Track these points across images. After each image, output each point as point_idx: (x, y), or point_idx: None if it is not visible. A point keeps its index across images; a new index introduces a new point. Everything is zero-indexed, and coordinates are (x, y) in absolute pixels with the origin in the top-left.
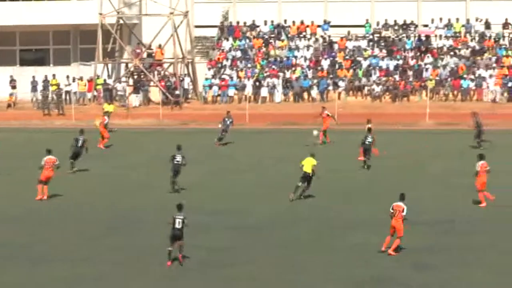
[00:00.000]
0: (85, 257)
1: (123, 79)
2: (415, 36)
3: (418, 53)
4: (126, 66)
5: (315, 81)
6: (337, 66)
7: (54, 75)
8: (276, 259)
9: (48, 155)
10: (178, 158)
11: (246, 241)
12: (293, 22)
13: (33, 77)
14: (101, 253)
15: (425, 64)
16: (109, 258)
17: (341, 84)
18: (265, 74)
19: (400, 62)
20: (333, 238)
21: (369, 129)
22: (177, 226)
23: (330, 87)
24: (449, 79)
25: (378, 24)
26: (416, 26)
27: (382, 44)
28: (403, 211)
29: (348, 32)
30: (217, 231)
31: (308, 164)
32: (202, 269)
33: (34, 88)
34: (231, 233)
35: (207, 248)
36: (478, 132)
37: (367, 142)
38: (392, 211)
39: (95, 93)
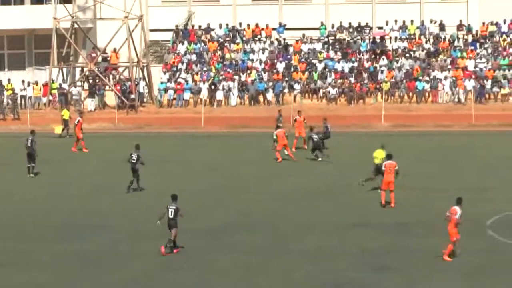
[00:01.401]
0: (42, 263)
1: (78, 83)
2: (369, 39)
3: (373, 55)
4: (81, 70)
5: (270, 84)
6: (292, 69)
7: (9, 80)
8: (233, 263)
9: None
10: (134, 156)
11: (200, 244)
12: (248, 25)
13: None
14: (57, 258)
15: (380, 66)
16: (66, 263)
17: (297, 87)
18: (220, 78)
19: (355, 64)
20: (289, 242)
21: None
22: (170, 215)
23: (286, 90)
24: (404, 81)
25: (333, 26)
26: (371, 28)
27: (337, 46)
28: (456, 214)
29: (303, 35)
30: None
31: (380, 156)
32: (162, 273)
33: None
34: (184, 236)
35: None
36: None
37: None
38: (448, 214)
39: (50, 98)
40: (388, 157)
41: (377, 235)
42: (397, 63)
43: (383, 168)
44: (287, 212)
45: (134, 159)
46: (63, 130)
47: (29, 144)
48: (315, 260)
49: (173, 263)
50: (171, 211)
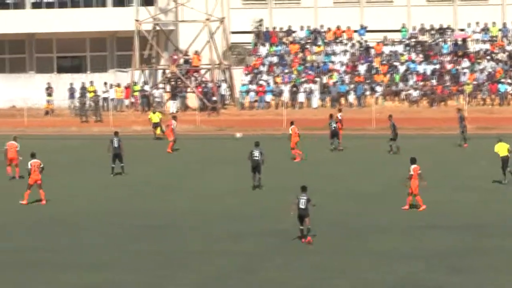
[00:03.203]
0: (109, 264)
1: (160, 85)
2: (451, 41)
3: (455, 58)
4: (163, 72)
5: (352, 86)
6: (374, 71)
7: (91, 82)
8: (310, 264)
9: (33, 159)
10: (256, 153)
11: (274, 246)
12: (328, 28)
13: (71, 84)
14: (125, 259)
15: (462, 69)
16: (134, 264)
17: (378, 89)
18: (302, 80)
19: (437, 66)
20: (364, 243)
21: (331, 115)
22: (302, 206)
23: (367, 92)
24: (486, 84)
25: (414, 28)
26: (453, 30)
27: (419, 48)
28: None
29: (385, 37)
30: (250, 236)
31: (503, 149)
32: (238, 274)
33: (71, 95)
34: (258, 237)
35: (240, 252)
36: (393, 135)
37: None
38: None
39: (132, 100)
40: (413, 161)
41: (450, 237)
42: (479, 65)
43: (411, 172)
44: (359, 213)
45: (256, 156)
46: (157, 132)
47: (116, 145)
48: (390, 261)
49: (248, 264)
50: (303, 202)
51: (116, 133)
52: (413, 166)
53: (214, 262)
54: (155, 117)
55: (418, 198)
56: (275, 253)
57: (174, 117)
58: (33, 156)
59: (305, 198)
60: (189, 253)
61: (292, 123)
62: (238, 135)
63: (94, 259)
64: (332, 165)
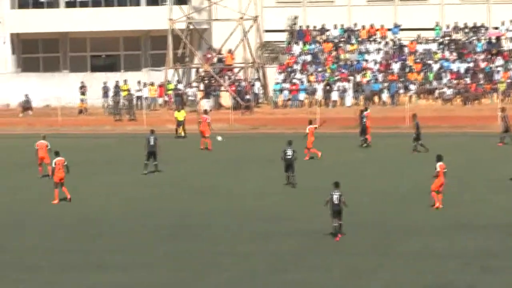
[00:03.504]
0: (143, 264)
1: (194, 84)
2: (485, 39)
3: (489, 56)
4: (197, 71)
5: (385, 84)
6: (407, 69)
7: (125, 81)
8: (341, 264)
9: (57, 157)
10: (289, 152)
11: (312, 246)
12: (363, 26)
13: (105, 82)
14: (157, 259)
15: (496, 67)
16: (165, 265)
17: (412, 87)
18: (335, 78)
19: (471, 64)
20: (396, 243)
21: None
22: (336, 202)
23: (401, 91)
24: None
25: (448, 27)
26: (487, 28)
27: (453, 47)
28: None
29: (418, 35)
30: (282, 236)
31: None
32: (269, 274)
33: (105, 94)
34: (292, 237)
35: (271, 252)
36: (416, 135)
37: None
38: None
39: (166, 98)
40: (439, 158)
41: (482, 236)
42: None
43: (437, 169)
44: (391, 212)
45: (289, 155)
46: (179, 131)
47: (152, 143)
48: (424, 261)
49: (279, 264)
50: (336, 197)
51: (152, 131)
52: (439, 164)
53: (245, 262)
54: (180, 116)
55: (440, 196)
56: (307, 253)
57: (206, 111)
58: (57, 154)
59: (338, 194)
60: (220, 253)
61: (310, 122)
62: (219, 138)
63: (125, 259)
64: (364, 164)
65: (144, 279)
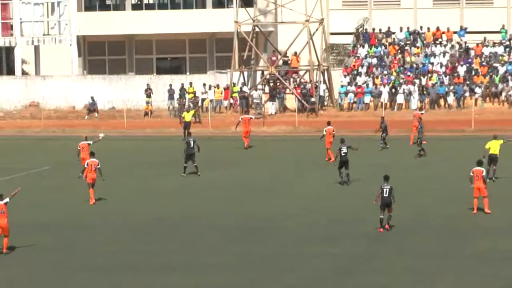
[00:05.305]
0: (208, 266)
1: (259, 86)
2: None
3: None
4: (262, 73)
5: (451, 87)
6: (473, 72)
7: (190, 83)
8: (406, 266)
9: (91, 158)
10: (344, 149)
11: (377, 249)
12: (428, 28)
13: (170, 85)
14: (222, 261)
15: None
16: (230, 266)
17: (478, 90)
18: (401, 81)
19: None
20: (462, 245)
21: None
22: (385, 194)
23: (467, 94)
24: None
25: None
26: None
27: None
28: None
29: (484, 38)
30: (346, 238)
31: (495, 146)
32: (334, 277)
33: (171, 96)
34: (363, 241)
35: (336, 255)
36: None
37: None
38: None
39: (231, 101)
40: (478, 163)
41: None
42: None
43: (471, 174)
44: (456, 215)
45: (345, 152)
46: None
47: (192, 145)
48: (488, 264)
49: (344, 266)
50: (386, 190)
51: (189, 134)
52: (474, 169)
53: (309, 264)
54: (188, 116)
55: (485, 200)
56: (371, 256)
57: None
58: (92, 155)
59: (388, 187)
60: (284, 255)
61: (328, 123)
62: (101, 135)
63: (190, 261)
64: (428, 166)
65: (209, 281)
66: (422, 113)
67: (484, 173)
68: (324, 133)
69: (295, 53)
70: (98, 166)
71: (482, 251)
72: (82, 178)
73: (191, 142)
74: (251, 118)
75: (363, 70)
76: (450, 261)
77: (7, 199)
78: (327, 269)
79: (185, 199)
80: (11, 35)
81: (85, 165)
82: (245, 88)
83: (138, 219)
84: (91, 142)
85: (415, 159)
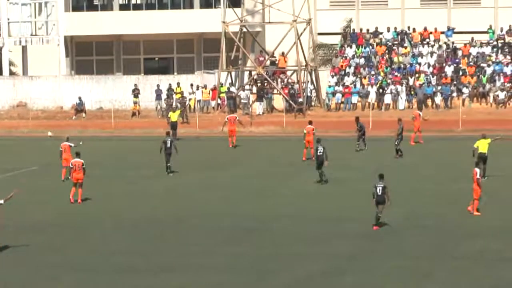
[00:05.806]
0: (203, 266)
1: (247, 87)
2: None
3: None
4: (250, 74)
5: (439, 88)
6: (461, 72)
7: (178, 83)
8: (399, 267)
9: (76, 158)
10: (320, 149)
11: (369, 248)
12: (414, 29)
13: (158, 85)
14: (221, 261)
15: None
16: (230, 267)
17: (465, 90)
18: (388, 81)
19: None
20: (454, 246)
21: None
22: (379, 193)
23: (454, 94)
24: None
25: (501, 30)
26: None
27: (506, 50)
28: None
29: (472, 39)
30: (340, 238)
31: (483, 144)
32: (327, 277)
33: (158, 97)
34: (355, 240)
35: (328, 254)
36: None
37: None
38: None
39: (219, 101)
40: (476, 165)
41: None
42: None
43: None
44: (448, 215)
45: (320, 152)
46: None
47: (168, 145)
48: (480, 264)
49: (337, 267)
50: (379, 189)
51: (167, 133)
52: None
53: (303, 265)
54: (174, 116)
55: (476, 202)
56: (364, 256)
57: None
58: (77, 155)
59: (381, 185)
60: (278, 256)
61: (310, 123)
62: (50, 133)
63: (186, 261)
64: (418, 167)
65: (203, 281)
66: (419, 113)
67: (478, 176)
68: (305, 131)
69: (283, 53)
70: (83, 166)
71: (474, 252)
72: (69, 179)
73: (168, 142)
74: (237, 118)
75: (350, 70)
76: (442, 261)
77: (1, 201)
78: (321, 269)
79: (176, 199)
80: None
81: (70, 166)
82: (232, 89)
83: (130, 219)
84: (72, 145)
85: (395, 158)
